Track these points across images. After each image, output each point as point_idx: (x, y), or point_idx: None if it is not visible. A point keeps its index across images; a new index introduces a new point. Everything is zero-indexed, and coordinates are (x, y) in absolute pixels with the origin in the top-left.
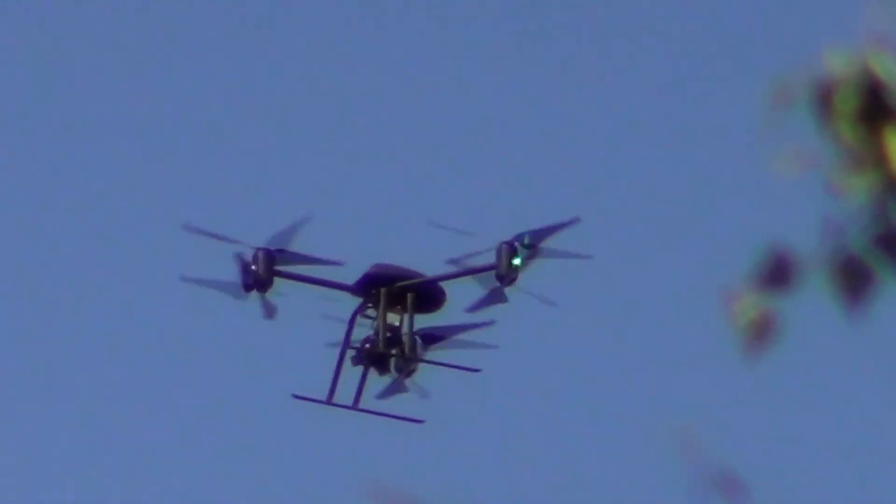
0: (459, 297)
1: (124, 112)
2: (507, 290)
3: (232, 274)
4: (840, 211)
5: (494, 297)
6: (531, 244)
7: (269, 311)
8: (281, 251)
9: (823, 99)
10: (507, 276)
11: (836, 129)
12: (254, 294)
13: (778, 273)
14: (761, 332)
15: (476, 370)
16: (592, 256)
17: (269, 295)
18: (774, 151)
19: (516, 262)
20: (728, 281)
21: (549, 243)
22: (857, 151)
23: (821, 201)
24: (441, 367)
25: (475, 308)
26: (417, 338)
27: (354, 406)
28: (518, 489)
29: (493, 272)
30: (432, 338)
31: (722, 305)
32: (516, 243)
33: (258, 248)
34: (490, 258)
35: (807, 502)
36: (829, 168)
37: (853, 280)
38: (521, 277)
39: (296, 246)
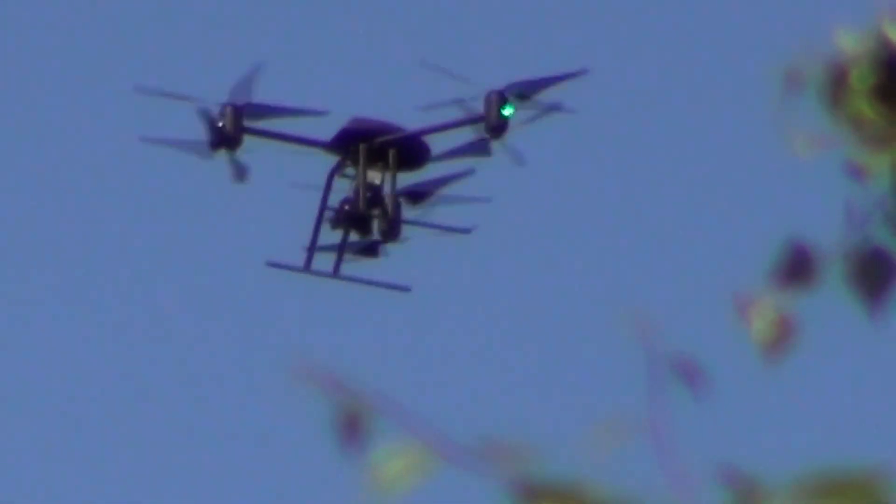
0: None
1: None
2: (493, 142)
3: (196, 132)
4: (862, 196)
5: (477, 148)
6: (524, 94)
7: (240, 173)
8: (252, 105)
9: (838, 77)
10: (496, 128)
11: (854, 107)
12: (221, 153)
13: (796, 268)
14: (781, 337)
15: (466, 231)
16: (575, 111)
17: (239, 154)
18: (788, 135)
19: (506, 112)
20: (742, 280)
21: (546, 96)
22: (878, 129)
23: (840, 187)
24: (428, 229)
25: (451, 155)
26: (401, 199)
27: (334, 273)
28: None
29: (480, 124)
30: (415, 195)
31: (738, 311)
32: (507, 93)
33: (225, 104)
34: (478, 108)
35: (769, 388)
36: (848, 149)
37: (877, 273)
38: (511, 131)
39: (259, 97)
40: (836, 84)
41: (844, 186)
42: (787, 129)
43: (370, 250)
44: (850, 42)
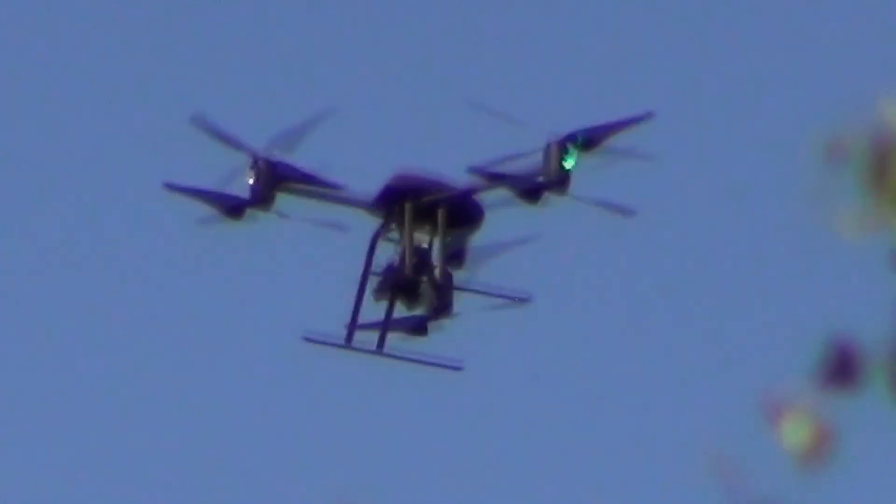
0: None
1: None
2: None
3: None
4: None
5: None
6: (587, 143)
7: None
8: (282, 166)
9: (883, 152)
10: (557, 181)
11: None
12: (250, 212)
13: (841, 369)
14: (818, 448)
15: (525, 299)
16: (654, 157)
17: (271, 213)
18: (830, 213)
19: (568, 164)
20: (778, 386)
21: (611, 143)
22: None
23: (887, 277)
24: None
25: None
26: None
27: (378, 350)
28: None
29: (539, 178)
30: (456, 257)
31: (772, 419)
32: (568, 142)
33: (258, 158)
34: (535, 161)
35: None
36: (893, 235)
37: None
38: (573, 184)
39: (305, 149)
40: (882, 160)
41: (889, 278)
42: (828, 206)
43: (418, 328)
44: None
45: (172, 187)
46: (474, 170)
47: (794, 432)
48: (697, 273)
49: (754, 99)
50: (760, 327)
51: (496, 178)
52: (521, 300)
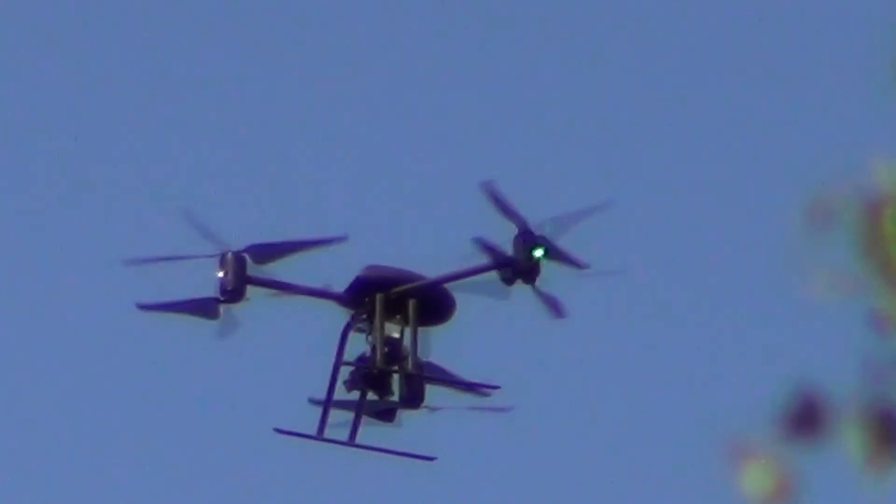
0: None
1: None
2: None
3: (191, 291)
4: (883, 349)
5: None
6: (542, 236)
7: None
8: (257, 246)
9: (870, 216)
10: (526, 271)
11: (883, 250)
12: (224, 308)
13: (805, 420)
14: (779, 496)
15: (495, 387)
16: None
17: (240, 307)
18: (810, 273)
19: (537, 254)
20: (743, 431)
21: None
22: None
23: (860, 334)
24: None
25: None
26: (423, 360)
27: (350, 441)
28: None
29: (509, 269)
30: (438, 382)
31: (734, 465)
32: (536, 233)
33: (225, 251)
34: (505, 251)
35: None
36: (874, 295)
37: (888, 432)
38: (542, 273)
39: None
40: (868, 223)
41: (864, 335)
42: (808, 266)
43: (385, 415)
44: (886, 178)
45: (145, 307)
46: (479, 242)
47: (757, 480)
48: (674, 329)
49: (736, 161)
50: (735, 380)
51: (500, 258)
52: (491, 388)
